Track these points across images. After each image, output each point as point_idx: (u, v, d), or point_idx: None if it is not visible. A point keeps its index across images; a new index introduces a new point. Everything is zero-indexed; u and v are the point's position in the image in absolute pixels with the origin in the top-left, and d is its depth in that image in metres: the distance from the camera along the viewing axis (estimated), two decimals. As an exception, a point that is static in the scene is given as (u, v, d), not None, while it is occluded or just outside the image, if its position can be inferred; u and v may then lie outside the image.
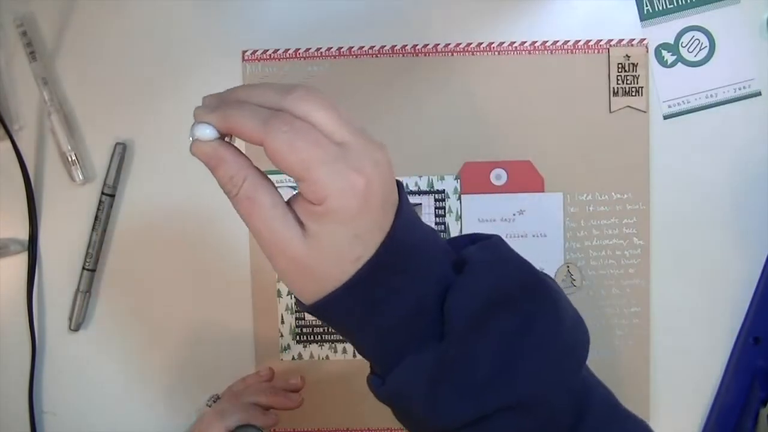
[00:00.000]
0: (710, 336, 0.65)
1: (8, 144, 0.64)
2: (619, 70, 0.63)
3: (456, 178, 0.65)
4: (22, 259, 0.66)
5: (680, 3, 0.64)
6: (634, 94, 0.63)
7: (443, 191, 0.65)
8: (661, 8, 0.64)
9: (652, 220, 0.64)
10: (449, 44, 0.64)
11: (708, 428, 0.64)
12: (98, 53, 0.65)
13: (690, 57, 0.64)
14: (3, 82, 0.65)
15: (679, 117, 0.64)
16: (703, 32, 0.64)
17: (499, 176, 0.64)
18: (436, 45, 0.64)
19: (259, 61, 0.65)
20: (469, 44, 0.64)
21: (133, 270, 0.66)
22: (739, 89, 0.64)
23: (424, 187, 0.65)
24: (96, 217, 0.65)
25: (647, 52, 0.64)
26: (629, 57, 0.63)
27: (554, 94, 0.64)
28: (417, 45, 0.64)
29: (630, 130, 0.64)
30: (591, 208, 0.64)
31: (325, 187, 0.35)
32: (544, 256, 0.65)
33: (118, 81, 0.65)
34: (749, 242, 0.64)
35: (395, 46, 0.64)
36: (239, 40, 0.65)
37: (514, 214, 0.65)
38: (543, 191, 0.65)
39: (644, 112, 0.64)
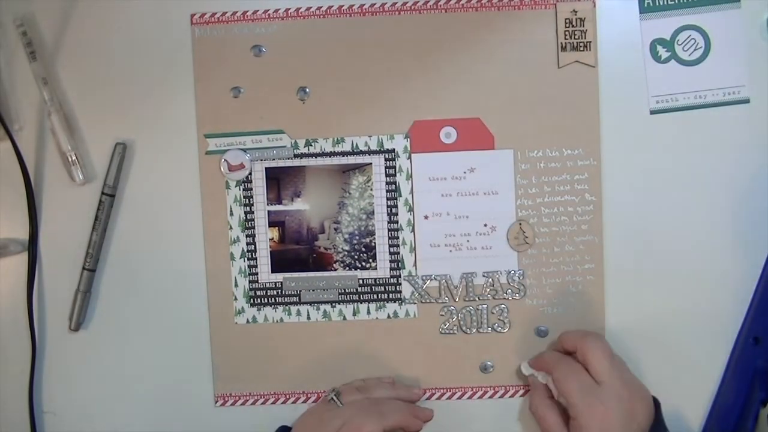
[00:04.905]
0: (710, 336, 0.65)
1: (8, 144, 0.64)
2: (567, 25, 0.63)
3: (406, 137, 0.65)
4: (22, 259, 0.66)
5: (681, 1, 0.64)
6: (582, 49, 0.64)
7: (393, 150, 0.65)
8: (661, 3, 0.64)
9: (604, 179, 0.64)
10: (396, 3, 0.64)
11: (708, 428, 0.64)
12: (98, 53, 0.66)
13: (684, 56, 0.64)
14: (3, 82, 0.65)
15: (666, 114, 0.64)
16: (700, 32, 0.64)
17: (449, 134, 0.65)
18: (383, 4, 0.65)
19: (207, 24, 0.65)
20: (416, 2, 0.64)
21: (133, 270, 0.66)
22: (729, 94, 0.64)
23: (374, 146, 0.65)
24: (96, 217, 0.65)
25: (594, 6, 0.64)
26: (576, 12, 0.64)
27: (502, 50, 0.64)
28: (364, 5, 0.65)
29: (579, 86, 0.64)
30: (542, 165, 0.65)
31: (577, 409, 0.57)
32: (496, 213, 0.65)
33: (118, 81, 0.66)
34: (749, 242, 0.64)
35: (342, 6, 0.65)
36: (187, 3, 0.65)
37: (464, 172, 0.65)
38: (493, 148, 0.65)
39: (593, 66, 0.64)
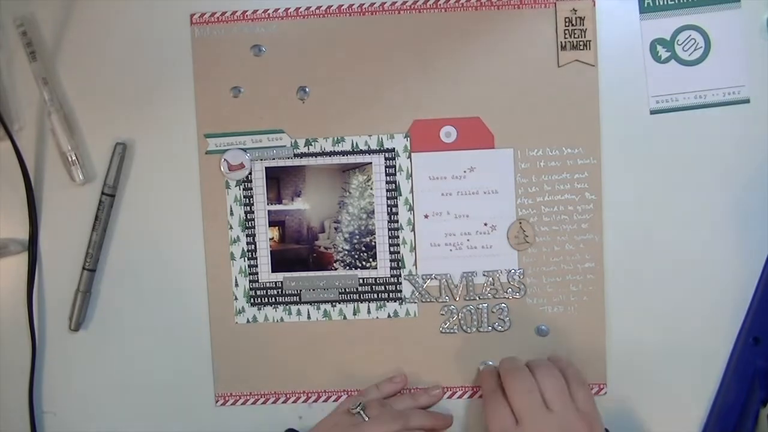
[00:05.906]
0: (710, 336, 0.65)
1: (8, 144, 0.64)
2: (566, 24, 0.64)
3: (406, 137, 0.65)
4: (22, 259, 0.66)
5: (681, 1, 0.64)
6: (582, 47, 0.64)
7: (393, 149, 0.65)
8: (661, 3, 0.64)
9: (604, 178, 0.64)
10: (395, 2, 0.64)
11: (708, 428, 0.64)
12: (98, 53, 0.66)
13: (684, 56, 0.64)
14: (3, 82, 0.65)
15: (666, 114, 0.64)
16: (700, 32, 0.64)
17: (449, 133, 0.65)
18: (383, 3, 0.65)
19: (207, 24, 0.65)
20: (416, 1, 0.64)
21: (133, 270, 0.66)
22: (729, 94, 0.64)
23: (374, 146, 0.65)
24: (96, 217, 0.65)
25: (594, 5, 0.64)
26: (576, 11, 0.64)
27: (502, 49, 0.64)
28: (363, 4, 0.65)
29: (579, 84, 0.64)
30: (542, 164, 0.65)
31: (524, 424, 0.56)
32: (496, 212, 0.65)
33: (118, 81, 0.66)
34: (749, 242, 0.64)
35: (342, 5, 0.65)
36: (187, 3, 0.65)
37: (464, 171, 0.65)
38: (493, 147, 0.65)
39: (593, 65, 0.64)
